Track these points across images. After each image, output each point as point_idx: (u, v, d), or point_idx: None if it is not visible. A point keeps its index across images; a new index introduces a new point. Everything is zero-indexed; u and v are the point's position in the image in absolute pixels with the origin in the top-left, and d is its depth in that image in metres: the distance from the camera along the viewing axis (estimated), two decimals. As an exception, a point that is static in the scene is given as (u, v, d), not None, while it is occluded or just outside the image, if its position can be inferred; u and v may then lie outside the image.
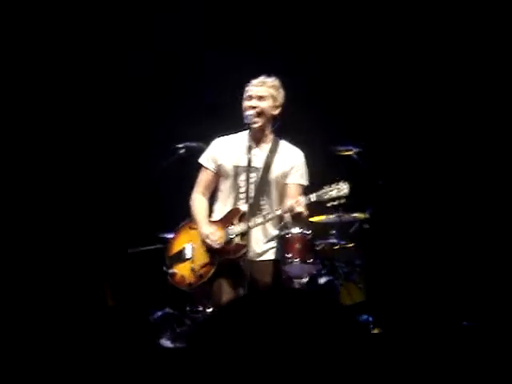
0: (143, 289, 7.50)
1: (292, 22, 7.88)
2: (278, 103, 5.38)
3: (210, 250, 5.35)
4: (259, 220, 5.24)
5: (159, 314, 7.12)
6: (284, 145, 5.47)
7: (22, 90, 7.74)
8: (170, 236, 6.45)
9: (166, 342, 6.87)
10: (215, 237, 5.30)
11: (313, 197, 5.19)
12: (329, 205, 5.23)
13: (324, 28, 7.89)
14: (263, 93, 5.32)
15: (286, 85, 5.50)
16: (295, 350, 2.06)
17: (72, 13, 7.79)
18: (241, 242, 5.26)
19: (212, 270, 5.34)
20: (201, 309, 7.01)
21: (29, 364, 4.41)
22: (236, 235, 5.28)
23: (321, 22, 7.90)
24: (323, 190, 5.19)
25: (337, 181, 5.20)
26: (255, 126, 5.29)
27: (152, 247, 7.27)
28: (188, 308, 7.15)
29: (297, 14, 7.88)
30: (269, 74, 5.42)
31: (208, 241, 5.31)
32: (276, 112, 5.38)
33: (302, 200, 5.17)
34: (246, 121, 5.28)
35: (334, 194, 5.17)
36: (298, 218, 5.29)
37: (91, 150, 7.95)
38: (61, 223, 7.77)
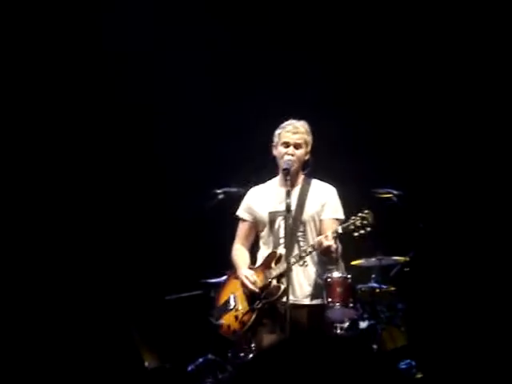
0: (186, 335, 7.51)
1: (324, 63, 7.92)
2: (309, 148, 5.48)
3: (250, 296, 5.36)
4: (293, 260, 5.24)
5: (201, 360, 7.10)
6: (315, 183, 5.53)
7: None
8: (211, 281, 6.48)
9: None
10: (253, 278, 5.33)
11: (339, 228, 5.20)
12: (356, 235, 5.21)
13: (360, 71, 7.94)
14: (299, 140, 5.43)
15: (325, 128, 5.57)
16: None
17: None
18: (278, 284, 5.26)
19: (253, 316, 5.35)
20: (243, 355, 6.98)
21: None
22: (273, 278, 5.29)
23: (355, 64, 7.94)
24: (349, 221, 5.20)
25: (361, 210, 5.21)
26: (292, 169, 5.36)
27: (191, 293, 7.29)
28: (230, 354, 7.12)
29: (330, 57, 7.93)
30: (298, 119, 5.51)
31: (246, 282, 5.35)
32: (308, 156, 5.47)
33: (330, 233, 5.17)
34: (285, 166, 5.34)
35: (358, 223, 5.17)
36: (328, 253, 5.28)
37: (132, 194, 8.03)
38: (98, 268, 7.81)
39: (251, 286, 5.34)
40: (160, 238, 7.79)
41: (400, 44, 7.88)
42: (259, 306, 5.34)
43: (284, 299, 5.15)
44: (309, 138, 5.48)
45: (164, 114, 7.94)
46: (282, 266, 5.23)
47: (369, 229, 5.17)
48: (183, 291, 7.39)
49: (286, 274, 5.19)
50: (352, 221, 5.20)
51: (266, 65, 7.93)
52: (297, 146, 5.40)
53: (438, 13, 7.77)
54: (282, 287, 5.17)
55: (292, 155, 5.39)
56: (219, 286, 5.95)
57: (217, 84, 7.93)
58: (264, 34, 7.89)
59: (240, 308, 5.45)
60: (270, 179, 5.61)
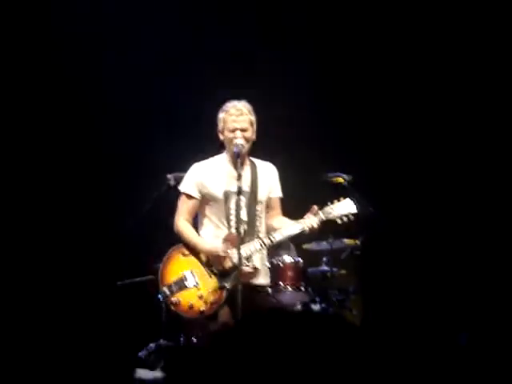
0: (136, 321, 7.45)
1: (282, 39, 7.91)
2: (255, 127, 5.47)
3: (218, 274, 5.33)
4: (267, 241, 5.30)
5: (153, 346, 7.06)
6: (259, 163, 5.56)
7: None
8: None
9: (160, 374, 6.81)
10: (226, 247, 5.30)
11: (322, 217, 5.29)
12: (339, 222, 5.34)
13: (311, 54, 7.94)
14: (245, 124, 5.40)
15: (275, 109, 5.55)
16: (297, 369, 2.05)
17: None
18: (253, 266, 5.32)
19: (224, 295, 5.30)
20: (195, 340, 6.95)
21: None
22: (243, 258, 5.27)
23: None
24: (331, 210, 5.31)
25: (339, 199, 5.33)
26: (243, 152, 5.38)
27: (144, 279, 7.23)
28: (182, 339, 7.09)
29: (294, 36, 7.91)
30: (239, 99, 5.49)
31: (221, 252, 5.30)
32: (254, 136, 5.47)
33: (316, 221, 5.30)
34: (235, 150, 5.33)
35: (341, 211, 5.30)
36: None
37: (82, 181, 7.93)
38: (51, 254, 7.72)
39: (230, 263, 5.30)
40: (111, 224, 7.70)
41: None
42: (228, 286, 5.30)
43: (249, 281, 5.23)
44: (253, 118, 5.47)
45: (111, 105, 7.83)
46: (248, 247, 5.26)
47: (352, 217, 5.33)
48: (134, 277, 7.33)
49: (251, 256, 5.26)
50: (333, 208, 5.33)
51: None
52: (244, 129, 5.39)
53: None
54: (259, 269, 5.27)
55: (241, 138, 5.38)
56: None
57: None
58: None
59: (205, 287, 5.37)
60: (214, 156, 5.58)
